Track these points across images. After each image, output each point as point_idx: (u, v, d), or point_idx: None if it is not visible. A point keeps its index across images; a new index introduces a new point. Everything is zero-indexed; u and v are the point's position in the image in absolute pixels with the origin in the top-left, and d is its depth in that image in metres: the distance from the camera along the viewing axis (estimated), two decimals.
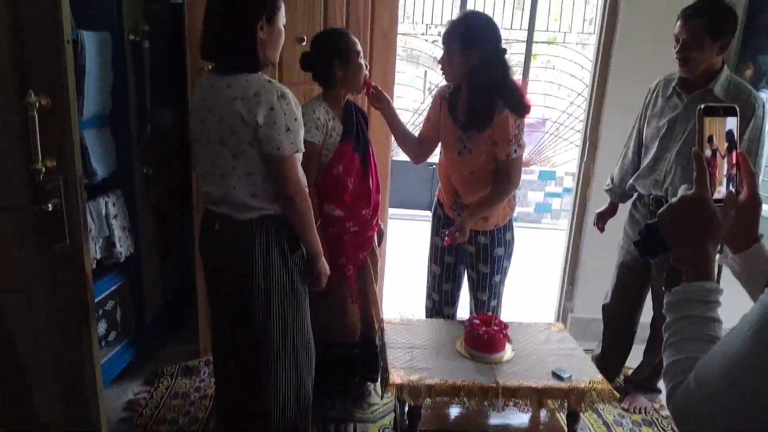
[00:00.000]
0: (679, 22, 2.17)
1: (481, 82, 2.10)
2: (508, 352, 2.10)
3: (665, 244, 0.86)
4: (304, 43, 2.55)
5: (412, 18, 6.00)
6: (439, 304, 2.53)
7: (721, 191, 0.86)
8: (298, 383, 1.88)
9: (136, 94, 2.43)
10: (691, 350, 0.77)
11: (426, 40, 6.28)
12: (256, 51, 1.62)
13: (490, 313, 2.27)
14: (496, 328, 2.08)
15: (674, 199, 0.84)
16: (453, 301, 2.54)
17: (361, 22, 2.67)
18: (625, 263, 2.58)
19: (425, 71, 6.48)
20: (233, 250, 1.73)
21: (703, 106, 0.84)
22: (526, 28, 5.38)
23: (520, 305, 3.81)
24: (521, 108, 2.14)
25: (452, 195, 2.34)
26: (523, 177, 6.51)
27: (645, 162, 2.38)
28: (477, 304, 2.42)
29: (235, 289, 1.77)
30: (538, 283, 4.08)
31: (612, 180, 2.60)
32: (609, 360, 2.72)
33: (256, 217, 1.70)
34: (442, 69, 2.20)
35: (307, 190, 1.76)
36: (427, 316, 2.58)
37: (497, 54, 2.11)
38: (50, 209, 1.41)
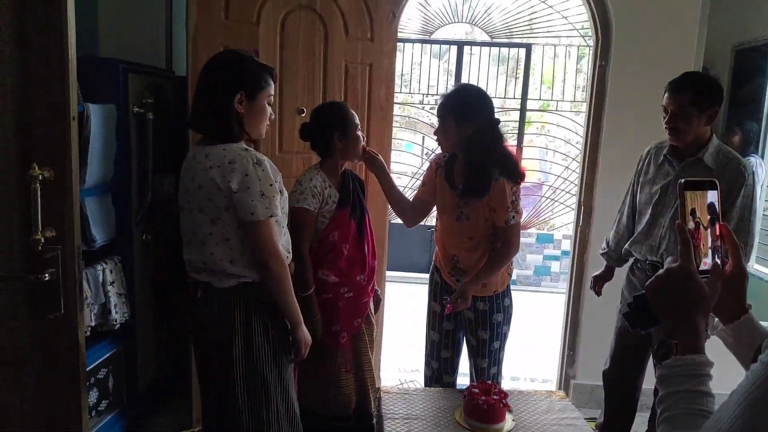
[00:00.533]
0: (666, 94, 2.25)
1: (477, 152, 2.16)
2: (508, 422, 2.05)
3: (655, 317, 0.86)
4: (304, 115, 2.64)
5: (409, 87, 6.21)
6: (438, 371, 2.48)
7: (706, 263, 0.87)
8: None
9: (138, 163, 2.49)
10: (684, 426, 0.76)
11: (422, 108, 6.47)
12: (230, 123, 1.67)
13: (489, 381, 2.23)
14: (495, 397, 2.03)
15: (660, 272, 0.85)
16: (453, 368, 2.50)
17: (359, 95, 2.77)
18: (623, 327, 2.56)
19: (422, 137, 6.63)
20: (214, 319, 1.73)
21: (683, 181, 0.86)
22: (520, 96, 5.56)
23: (523, 369, 3.75)
24: (516, 175, 2.19)
25: (450, 261, 2.35)
26: (522, 240, 6.54)
27: (639, 227, 2.41)
28: (477, 371, 2.37)
29: (216, 358, 1.76)
30: (540, 346, 4.02)
31: (607, 244, 2.62)
32: (613, 428, 2.65)
33: (235, 285, 1.71)
34: (437, 140, 2.26)
35: (288, 256, 1.77)
36: (426, 385, 2.53)
37: (491, 125, 2.18)
38: (47, 279, 1.41)
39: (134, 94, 2.42)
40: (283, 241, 1.77)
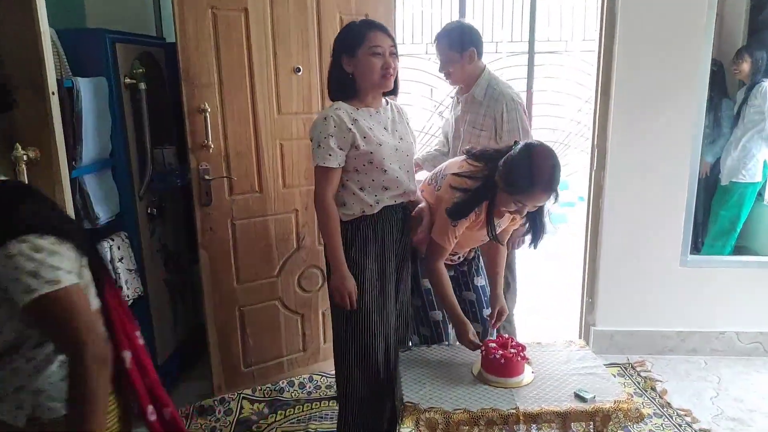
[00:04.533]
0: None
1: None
2: (527, 375, 2.02)
3: None
4: (301, 73, 2.54)
5: (411, 39, 6.02)
6: (431, 339, 2.27)
7: None
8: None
9: (136, 135, 2.43)
10: None
11: (429, 59, 6.30)
12: (342, 84, 1.93)
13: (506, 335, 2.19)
14: (513, 351, 2.00)
15: None
16: (447, 332, 2.29)
17: None
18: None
19: (430, 89, 6.46)
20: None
21: None
22: (527, 39, 5.34)
23: (547, 318, 3.72)
24: None
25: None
26: None
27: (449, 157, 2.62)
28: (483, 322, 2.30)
29: None
30: (562, 294, 3.96)
31: None
32: None
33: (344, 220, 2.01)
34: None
35: (325, 204, 1.93)
36: None
37: None
38: None
39: (124, 65, 2.34)
40: (362, 191, 1.95)
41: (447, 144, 2.77)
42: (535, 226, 2.11)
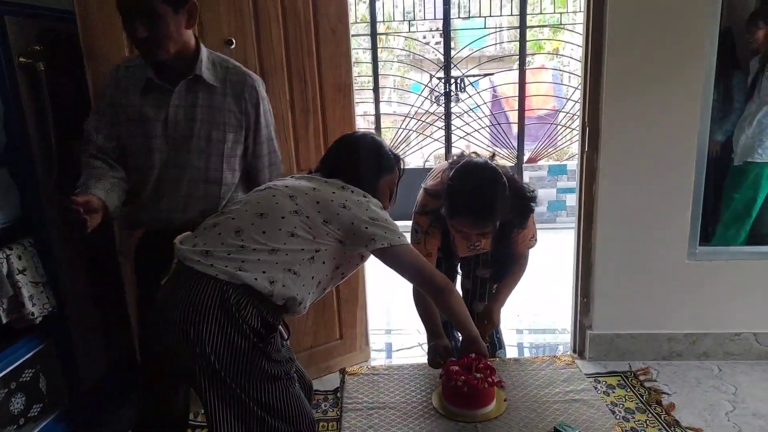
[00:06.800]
0: None
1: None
2: (498, 403, 1.65)
3: None
4: (234, 47, 2.17)
5: (413, 15, 5.61)
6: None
7: None
8: None
9: (37, 125, 2.07)
10: None
11: (427, 44, 5.92)
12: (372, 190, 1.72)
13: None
14: (479, 375, 1.63)
15: None
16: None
17: (302, 15, 2.29)
18: None
19: (429, 76, 6.05)
20: None
21: None
22: (518, 13, 4.93)
23: (540, 318, 3.35)
24: (528, 212, 2.03)
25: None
26: (532, 174, 5.93)
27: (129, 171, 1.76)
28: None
29: None
30: (557, 291, 3.56)
31: None
32: None
33: None
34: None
35: (445, 279, 1.69)
36: None
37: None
38: None
39: (18, 42, 1.98)
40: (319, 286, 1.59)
41: (121, 162, 1.75)
42: (498, 256, 2.20)
